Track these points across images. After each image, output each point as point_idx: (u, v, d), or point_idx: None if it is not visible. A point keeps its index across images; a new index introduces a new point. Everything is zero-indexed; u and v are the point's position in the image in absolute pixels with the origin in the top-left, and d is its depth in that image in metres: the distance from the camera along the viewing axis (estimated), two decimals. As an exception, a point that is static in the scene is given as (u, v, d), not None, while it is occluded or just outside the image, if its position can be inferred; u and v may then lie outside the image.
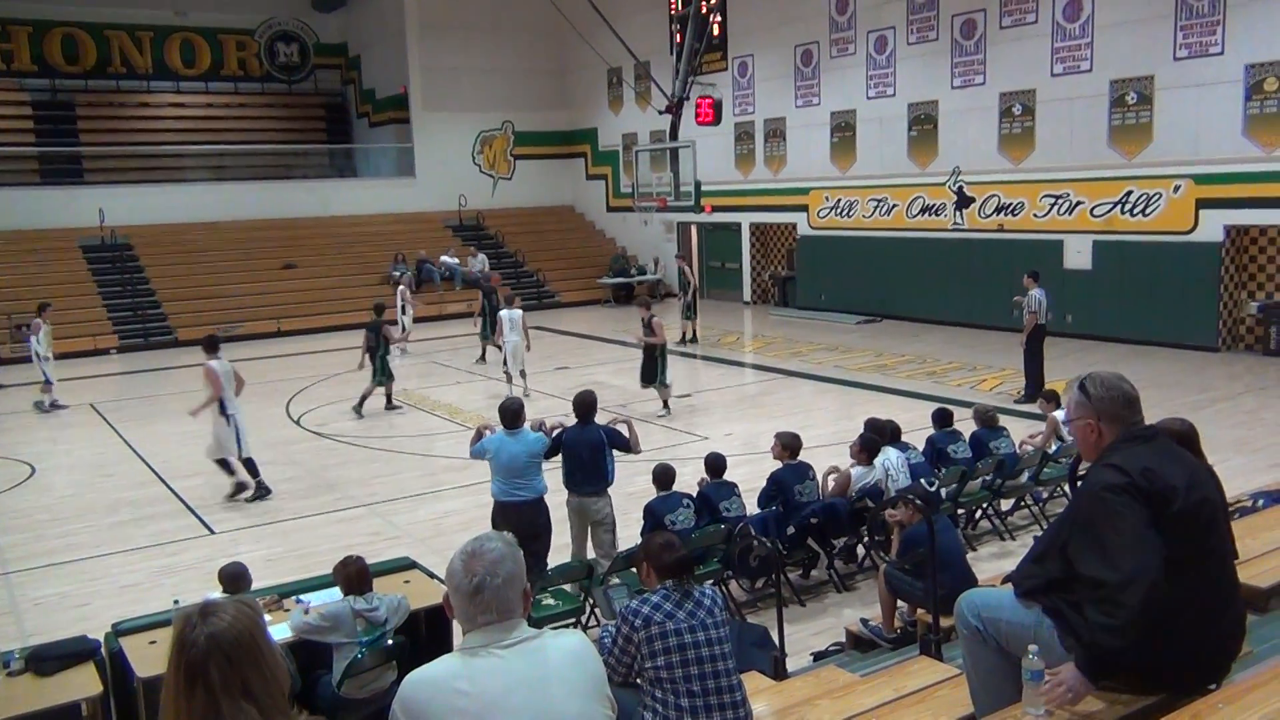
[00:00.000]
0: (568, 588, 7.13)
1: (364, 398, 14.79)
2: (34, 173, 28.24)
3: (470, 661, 2.50)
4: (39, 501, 11.31)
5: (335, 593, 5.83)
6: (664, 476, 7.78)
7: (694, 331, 20.64)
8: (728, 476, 8.09)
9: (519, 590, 2.58)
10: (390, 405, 15.03)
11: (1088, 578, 3.06)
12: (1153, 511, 3.05)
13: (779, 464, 8.19)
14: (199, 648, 2.11)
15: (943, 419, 9.38)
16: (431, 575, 6.54)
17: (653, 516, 7.50)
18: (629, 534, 8.31)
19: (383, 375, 14.81)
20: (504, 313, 15.53)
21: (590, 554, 7.89)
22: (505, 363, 15.51)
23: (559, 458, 7.91)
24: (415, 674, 2.54)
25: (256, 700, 2.13)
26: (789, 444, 8.16)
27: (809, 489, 8.01)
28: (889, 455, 8.31)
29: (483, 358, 18.77)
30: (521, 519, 7.38)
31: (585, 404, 8.01)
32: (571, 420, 8.16)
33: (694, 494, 7.88)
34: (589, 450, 7.78)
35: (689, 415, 14.20)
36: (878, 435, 8.46)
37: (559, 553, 7.96)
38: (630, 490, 9.45)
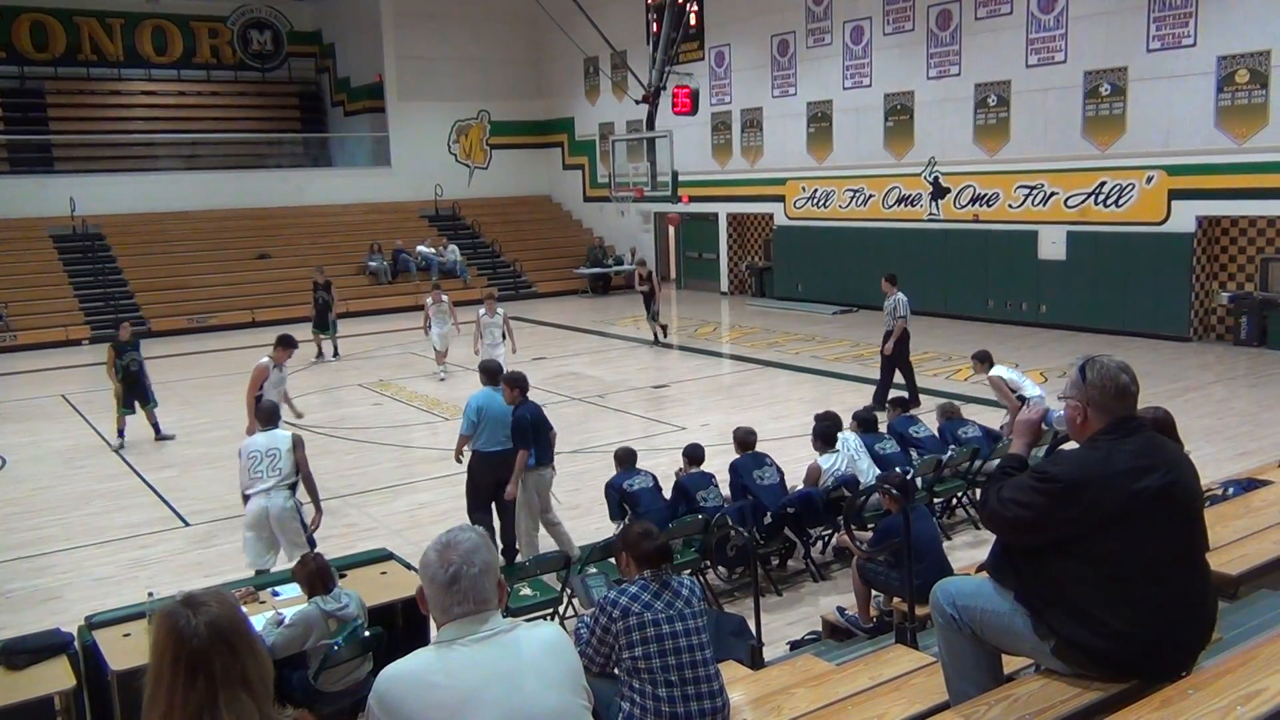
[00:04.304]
0: (546, 578, 7.13)
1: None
2: (3, 161, 27.89)
3: (445, 654, 2.50)
4: (9, 494, 11.18)
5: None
6: (627, 457, 8.00)
7: (662, 331, 19.49)
8: (705, 467, 8.14)
9: (494, 580, 2.58)
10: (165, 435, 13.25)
11: (994, 481, 3.45)
12: (1077, 512, 3.15)
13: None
14: (201, 637, 2.07)
15: (900, 405, 9.66)
16: (408, 566, 6.53)
17: (615, 491, 7.69)
18: (597, 518, 8.32)
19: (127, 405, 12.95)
20: (483, 314, 15.31)
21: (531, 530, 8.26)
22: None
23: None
24: (390, 669, 2.52)
25: (252, 689, 2.12)
26: (742, 439, 8.35)
27: (768, 473, 8.11)
28: (847, 438, 8.45)
29: (319, 355, 18.65)
30: (501, 466, 8.03)
31: (523, 380, 8.30)
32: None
33: (654, 474, 8.02)
34: (544, 423, 8.17)
35: (665, 405, 14.22)
36: (830, 422, 8.58)
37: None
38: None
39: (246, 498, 7.61)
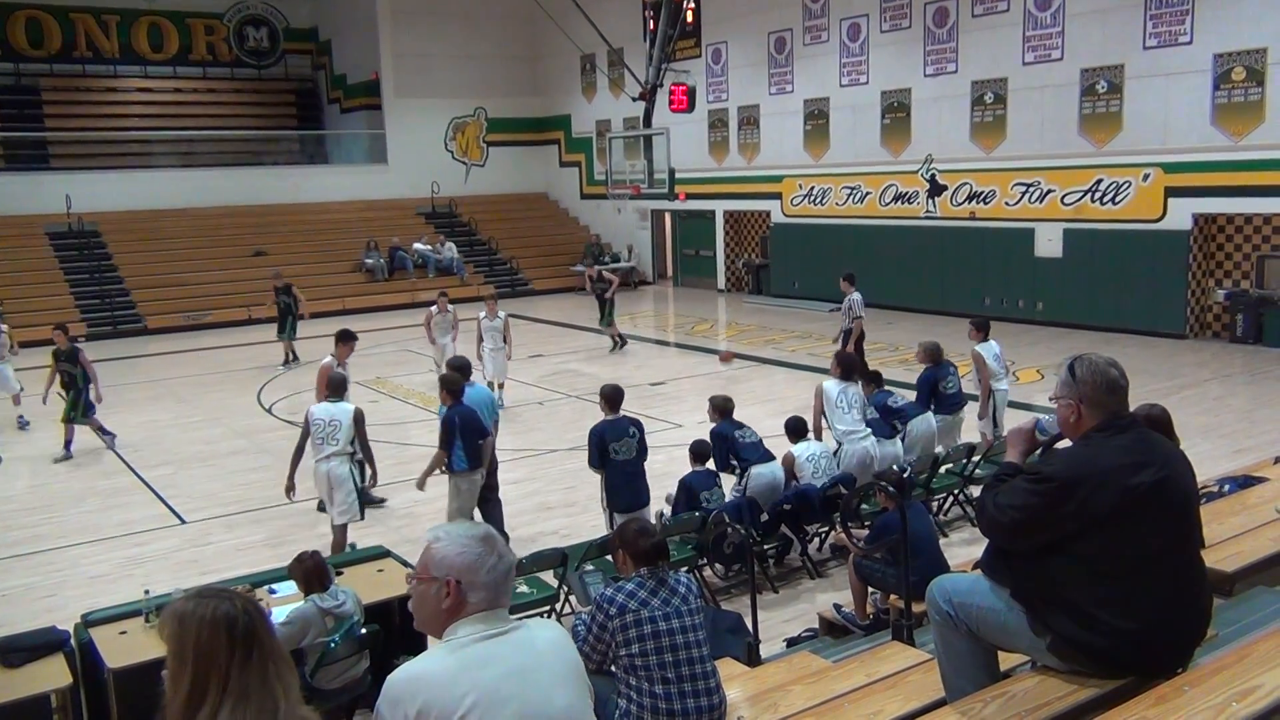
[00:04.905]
0: (542, 575, 7.13)
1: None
2: (-2, 158, 27.84)
3: (464, 652, 2.46)
4: (5, 491, 11.17)
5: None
6: (614, 397, 8.01)
7: (619, 341, 18.43)
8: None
9: None
10: (68, 454, 12.40)
11: (989, 490, 3.46)
12: (1072, 509, 3.15)
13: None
14: (251, 616, 2.18)
15: (876, 381, 9.80)
16: (405, 564, 6.52)
17: (599, 440, 7.74)
18: (594, 515, 8.32)
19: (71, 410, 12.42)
20: (483, 318, 14.48)
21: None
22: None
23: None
24: (407, 669, 2.46)
25: (289, 663, 2.25)
26: (720, 406, 8.50)
27: (748, 433, 8.36)
28: (846, 390, 8.81)
29: (286, 360, 17.72)
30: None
31: (463, 385, 8.33)
32: None
33: (640, 423, 8.13)
34: (480, 425, 8.17)
35: (662, 402, 14.22)
36: (845, 366, 9.03)
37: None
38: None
39: (298, 456, 8.33)
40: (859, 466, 8.55)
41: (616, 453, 7.81)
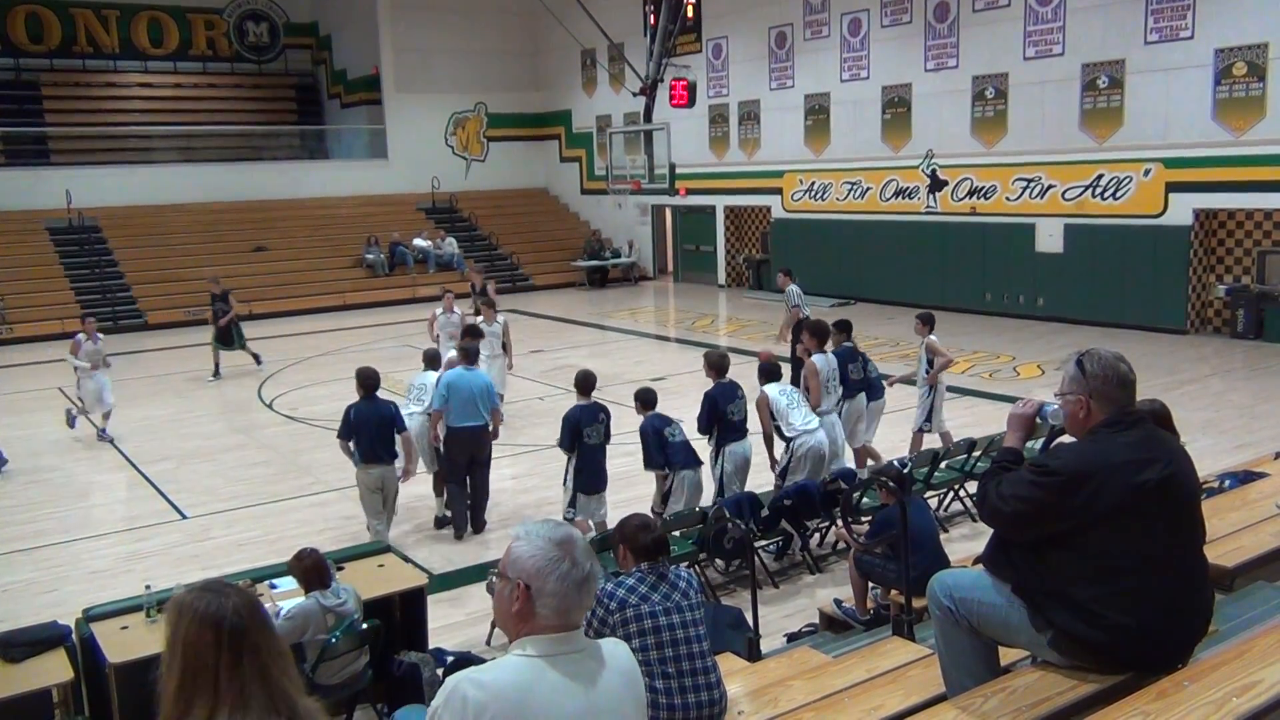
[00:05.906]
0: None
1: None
2: (-1, 153, 27.82)
3: (535, 673, 2.31)
4: (5, 487, 11.16)
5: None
6: (585, 384, 8.20)
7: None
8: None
9: None
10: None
11: (990, 477, 3.43)
12: (1077, 505, 3.14)
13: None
14: (241, 616, 2.10)
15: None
16: (406, 559, 6.53)
17: (573, 427, 7.94)
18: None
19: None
20: (480, 323, 13.46)
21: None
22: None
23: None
24: (476, 676, 2.27)
25: (293, 664, 2.18)
26: (716, 364, 8.57)
27: (739, 407, 8.41)
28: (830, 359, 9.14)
29: (216, 370, 16.61)
30: (474, 442, 8.86)
31: (374, 379, 8.39)
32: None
33: (608, 409, 8.33)
34: (381, 422, 8.22)
35: (663, 398, 14.17)
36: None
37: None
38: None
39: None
40: (830, 442, 8.83)
41: (589, 437, 8.01)
